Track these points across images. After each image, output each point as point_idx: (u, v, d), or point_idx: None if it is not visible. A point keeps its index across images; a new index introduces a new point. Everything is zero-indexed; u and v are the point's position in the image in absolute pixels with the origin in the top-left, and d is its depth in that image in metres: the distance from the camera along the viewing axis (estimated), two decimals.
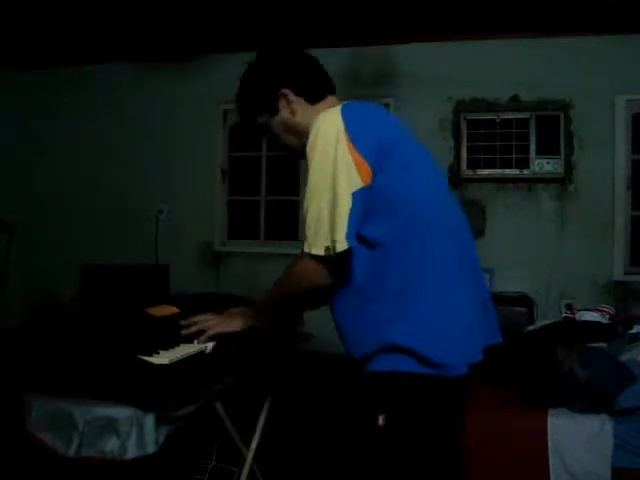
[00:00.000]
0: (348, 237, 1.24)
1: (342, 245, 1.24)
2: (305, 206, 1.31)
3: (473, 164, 3.79)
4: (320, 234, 1.27)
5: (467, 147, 3.80)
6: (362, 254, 1.29)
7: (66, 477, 1.42)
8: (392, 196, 1.28)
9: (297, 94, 1.46)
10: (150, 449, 1.39)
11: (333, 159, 1.26)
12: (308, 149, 1.31)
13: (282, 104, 1.47)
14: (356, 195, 1.25)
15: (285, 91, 1.45)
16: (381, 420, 1.26)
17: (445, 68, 3.89)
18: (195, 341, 1.56)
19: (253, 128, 1.54)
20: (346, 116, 1.29)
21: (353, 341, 1.36)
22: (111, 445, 1.37)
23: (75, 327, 1.66)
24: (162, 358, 1.38)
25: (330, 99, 1.49)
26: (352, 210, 1.24)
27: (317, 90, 1.49)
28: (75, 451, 1.37)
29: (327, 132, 1.29)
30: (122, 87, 4.48)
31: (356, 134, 1.27)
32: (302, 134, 1.41)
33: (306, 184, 1.32)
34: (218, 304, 1.72)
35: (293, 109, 1.46)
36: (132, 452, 1.36)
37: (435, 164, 1.46)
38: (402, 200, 1.29)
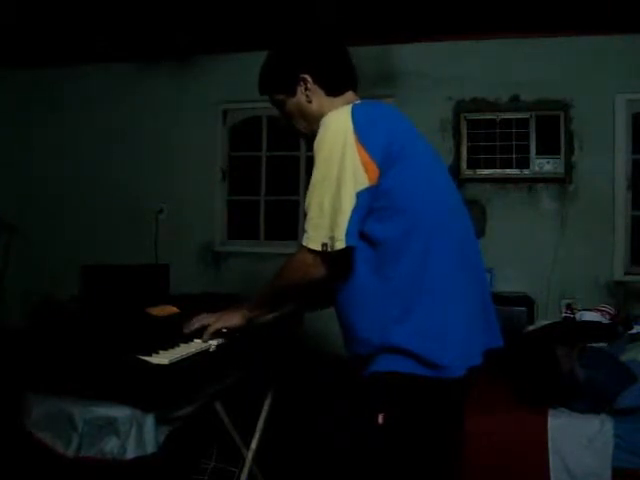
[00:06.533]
0: (348, 236, 1.24)
1: (341, 243, 1.24)
2: (307, 199, 1.31)
3: (473, 164, 3.79)
4: (320, 229, 1.27)
5: (467, 147, 3.79)
6: (365, 252, 1.30)
7: (66, 477, 1.42)
8: (397, 198, 1.29)
9: (316, 82, 1.44)
10: (150, 449, 1.39)
11: (340, 156, 1.26)
12: (316, 144, 1.31)
13: (300, 88, 1.45)
14: (361, 194, 1.25)
15: (304, 76, 1.43)
16: (381, 419, 1.28)
17: (445, 68, 3.88)
18: (197, 340, 1.55)
19: (270, 101, 1.53)
20: (356, 115, 1.29)
21: (356, 341, 1.36)
22: (111, 445, 1.37)
23: (75, 327, 1.65)
24: (162, 358, 1.38)
25: (349, 95, 1.48)
26: (355, 209, 1.24)
27: (337, 83, 1.47)
28: (75, 451, 1.37)
29: (336, 129, 1.29)
30: (122, 87, 4.47)
31: (365, 134, 1.27)
32: (314, 122, 1.41)
33: (310, 180, 1.32)
34: (218, 304, 1.72)
35: (309, 96, 1.45)
36: (132, 452, 1.36)
37: (442, 164, 1.46)
38: (407, 202, 1.29)
